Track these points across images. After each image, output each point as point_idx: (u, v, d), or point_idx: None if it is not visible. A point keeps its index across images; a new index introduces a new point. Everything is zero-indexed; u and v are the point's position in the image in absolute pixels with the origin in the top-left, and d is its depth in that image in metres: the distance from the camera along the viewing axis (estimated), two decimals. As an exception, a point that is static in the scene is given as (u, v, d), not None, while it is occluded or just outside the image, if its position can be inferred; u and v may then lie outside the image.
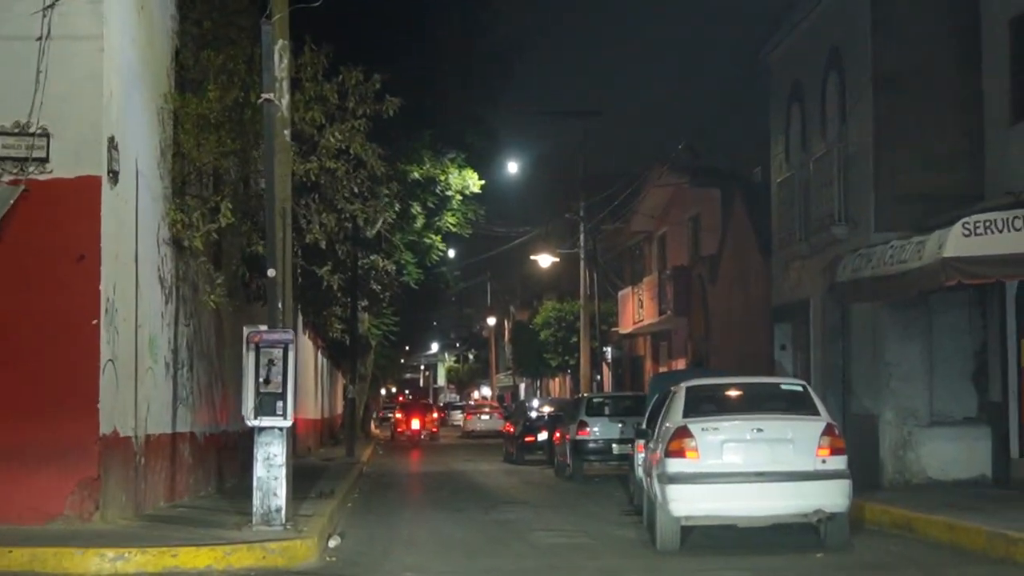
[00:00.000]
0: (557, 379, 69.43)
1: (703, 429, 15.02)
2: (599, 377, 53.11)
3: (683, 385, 16.45)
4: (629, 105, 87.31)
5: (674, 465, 14.93)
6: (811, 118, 25.44)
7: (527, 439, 38.89)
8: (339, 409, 59.57)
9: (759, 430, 14.93)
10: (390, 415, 75.57)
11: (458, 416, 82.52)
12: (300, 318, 38.94)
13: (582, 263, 48.58)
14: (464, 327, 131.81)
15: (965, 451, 20.81)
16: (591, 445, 29.63)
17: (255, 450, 15.25)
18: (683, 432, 15.06)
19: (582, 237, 48.49)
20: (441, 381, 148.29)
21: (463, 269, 70.28)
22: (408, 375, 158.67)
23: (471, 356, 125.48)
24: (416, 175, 45.15)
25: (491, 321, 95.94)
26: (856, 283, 19.90)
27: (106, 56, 14.97)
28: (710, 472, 14.83)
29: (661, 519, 15.24)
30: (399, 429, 62.97)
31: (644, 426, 20.33)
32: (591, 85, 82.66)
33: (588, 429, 29.71)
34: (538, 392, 72.61)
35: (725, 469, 14.83)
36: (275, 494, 15.11)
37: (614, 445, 29.44)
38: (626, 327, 47.11)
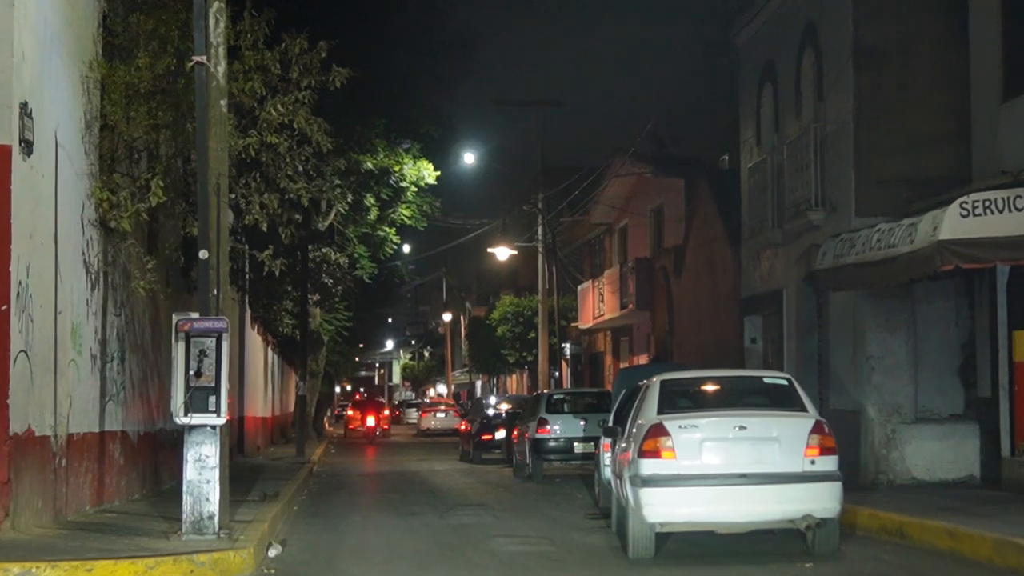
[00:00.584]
0: (514, 376, 68.07)
1: (680, 427, 13.65)
2: (557, 374, 51.80)
3: (657, 379, 15.06)
4: (591, 96, 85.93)
5: (648, 466, 13.56)
6: (785, 99, 24.15)
7: (484, 437, 37.54)
8: (292, 407, 57.99)
9: (742, 428, 13.56)
10: (345, 413, 75.44)
11: (413, 414, 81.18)
12: (248, 312, 37.42)
13: (540, 256, 47.23)
14: (420, 324, 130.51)
15: (952, 450, 19.57)
16: (552, 444, 28.29)
17: (184, 450, 13.78)
18: (658, 430, 13.68)
19: (540, 229, 47.13)
20: (396, 379, 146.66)
21: (418, 264, 68.99)
22: (363, 373, 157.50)
23: (427, 353, 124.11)
24: (369, 165, 43.71)
25: (447, 317, 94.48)
26: (838, 270, 18.59)
27: (17, 12, 13.42)
28: (688, 474, 13.46)
29: (634, 525, 13.86)
30: (351, 426, 64.06)
31: (611, 423, 19.00)
32: (552, 76, 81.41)
33: (548, 427, 28.37)
34: (495, 389, 71.22)
35: (704, 471, 13.47)
36: (207, 499, 13.65)
37: (576, 444, 28.15)
38: (586, 322, 45.77)
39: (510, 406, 39.90)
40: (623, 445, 15.40)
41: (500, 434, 36.47)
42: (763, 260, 25.31)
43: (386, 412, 67.04)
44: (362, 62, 42.06)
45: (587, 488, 24.04)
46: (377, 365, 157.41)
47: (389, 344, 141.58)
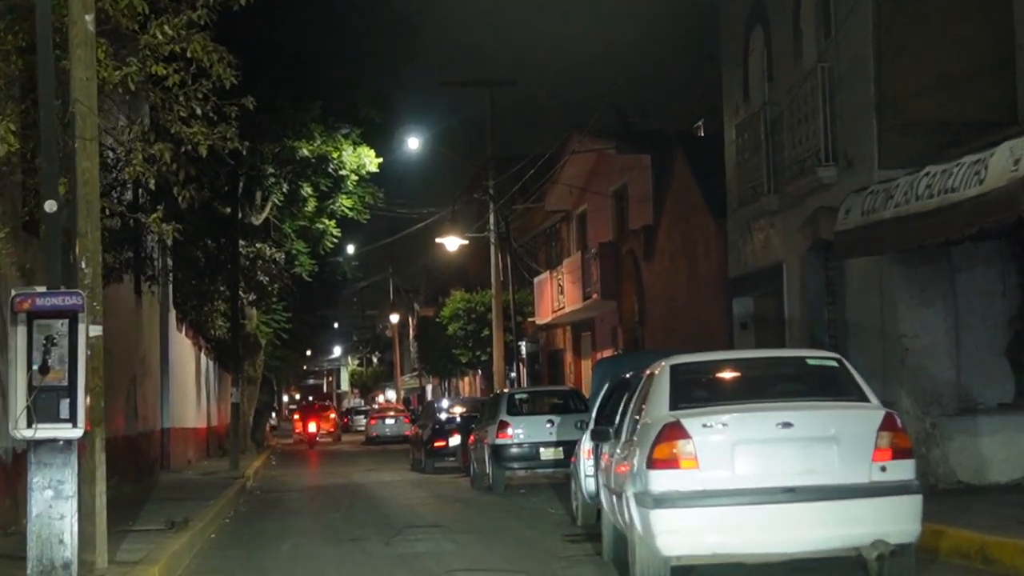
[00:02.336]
0: (467, 378, 64.42)
1: (704, 426, 10.11)
2: (513, 374, 48.28)
3: (665, 363, 11.48)
4: (547, 75, 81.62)
5: (662, 480, 10.04)
6: (779, 40, 20.70)
7: (436, 444, 34.04)
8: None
9: (786, 424, 10.03)
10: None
11: (362, 422, 77.55)
12: (173, 312, 33.68)
13: (492, 247, 43.66)
14: (367, 329, 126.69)
15: (1003, 446, 16.17)
16: (514, 450, 24.83)
17: (29, 475, 10.16)
18: (674, 431, 10.12)
19: (491, 217, 43.56)
20: (345, 386, 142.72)
21: (363, 263, 65.30)
22: (311, 381, 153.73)
23: (375, 359, 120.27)
24: (306, 152, 40.05)
25: (394, 318, 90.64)
26: (870, 229, 15.08)
27: None
28: (716, 489, 9.96)
29: (641, 558, 10.38)
30: (296, 430, 65.15)
31: (594, 424, 15.56)
32: (506, 56, 77.02)
33: (511, 431, 24.89)
34: (447, 393, 67.54)
35: (738, 484, 9.97)
36: (61, 541, 10.09)
37: (542, 449, 24.75)
38: (544, 316, 42.25)
39: (464, 409, 36.39)
40: (619, 452, 11.87)
41: (454, 440, 33.07)
42: (755, 233, 21.91)
43: (332, 416, 68.52)
44: (296, 40, 38.63)
45: (560, 500, 20.59)
46: (325, 372, 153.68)
47: (337, 351, 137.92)
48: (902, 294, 16.42)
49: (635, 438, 10.95)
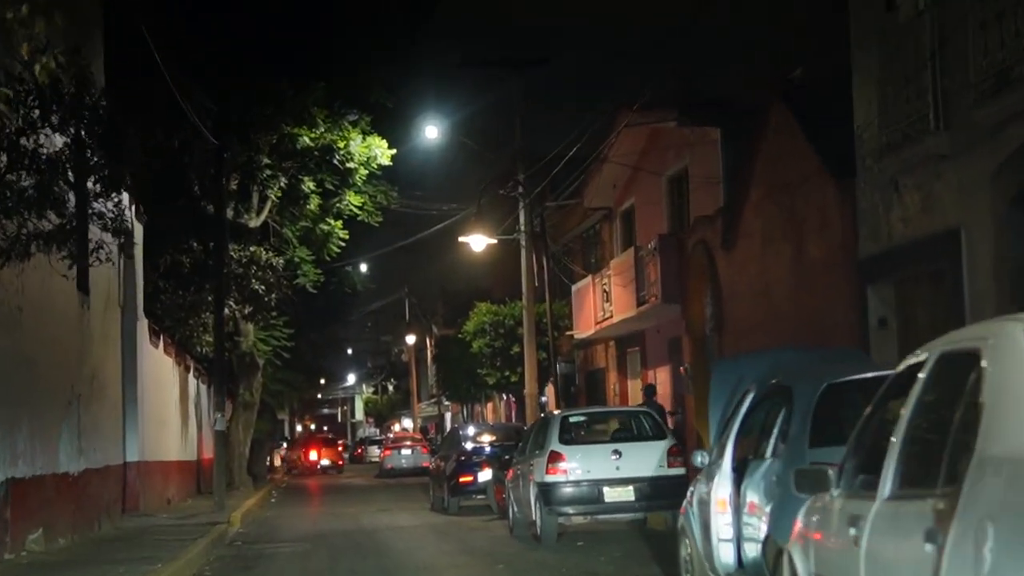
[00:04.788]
0: (492, 403, 58.35)
1: None
2: (544, 398, 42.27)
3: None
4: (585, 53, 74.14)
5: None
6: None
7: (462, 480, 28.31)
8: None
9: None
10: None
11: (376, 452, 71.71)
12: (143, 322, 27.78)
13: (523, 251, 37.69)
14: (382, 355, 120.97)
15: None
16: (569, 490, 19.02)
17: None
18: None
19: (522, 215, 37.62)
20: (360, 415, 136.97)
21: (374, 274, 59.34)
22: (326, 410, 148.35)
23: (391, 387, 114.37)
24: (307, 140, 34.26)
25: (411, 339, 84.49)
26: None
27: None
28: None
29: None
30: (311, 464, 64.22)
31: (731, 450, 9.79)
32: (535, 28, 69.49)
33: (564, 465, 19.07)
34: (468, 420, 61.42)
35: None
36: None
37: (607, 488, 18.98)
38: (585, 329, 36.22)
39: (494, 437, 30.57)
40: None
41: (484, 475, 27.38)
42: (907, 192, 15.96)
43: (339, 448, 69.68)
44: (294, 14, 32.93)
45: (638, 560, 14.75)
46: (340, 401, 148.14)
47: (351, 379, 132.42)
48: None
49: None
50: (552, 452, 19.01)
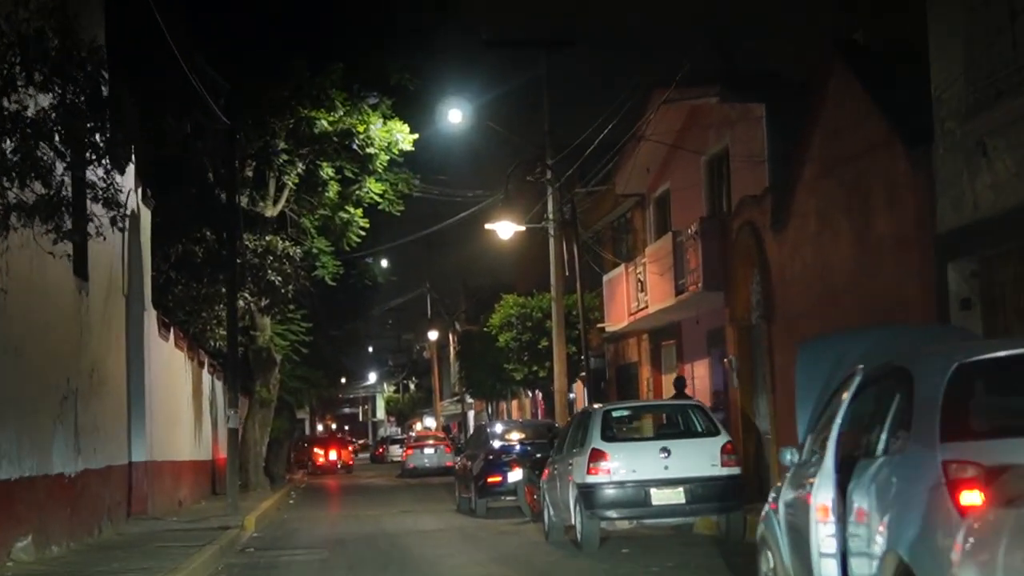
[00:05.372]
0: (517, 401, 56.60)
1: None
2: (572, 395, 40.55)
3: None
4: (616, 31, 71.38)
5: None
6: None
7: (491, 480, 26.64)
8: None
9: None
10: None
11: (398, 451, 70.07)
12: (151, 313, 26.09)
13: (551, 240, 35.97)
14: (403, 353, 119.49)
15: None
16: (613, 491, 17.28)
17: None
18: None
19: (550, 202, 35.88)
20: (381, 414, 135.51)
21: (396, 268, 57.65)
22: (347, 409, 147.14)
23: (412, 385, 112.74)
24: (325, 124, 32.57)
25: (433, 335, 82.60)
26: None
27: None
28: None
29: None
30: (319, 464, 64.02)
31: (834, 444, 8.02)
32: (565, 8, 67.18)
33: (607, 464, 17.30)
34: (492, 418, 59.62)
35: None
36: None
37: (654, 490, 17.19)
38: (617, 321, 34.39)
39: (524, 435, 28.86)
40: None
41: (515, 475, 25.69)
42: (996, 156, 14.15)
43: (349, 449, 70.39)
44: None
45: (691, 570, 13.02)
46: (361, 401, 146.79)
47: (372, 377, 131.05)
48: None
49: None
50: (594, 450, 17.25)
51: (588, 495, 17.10)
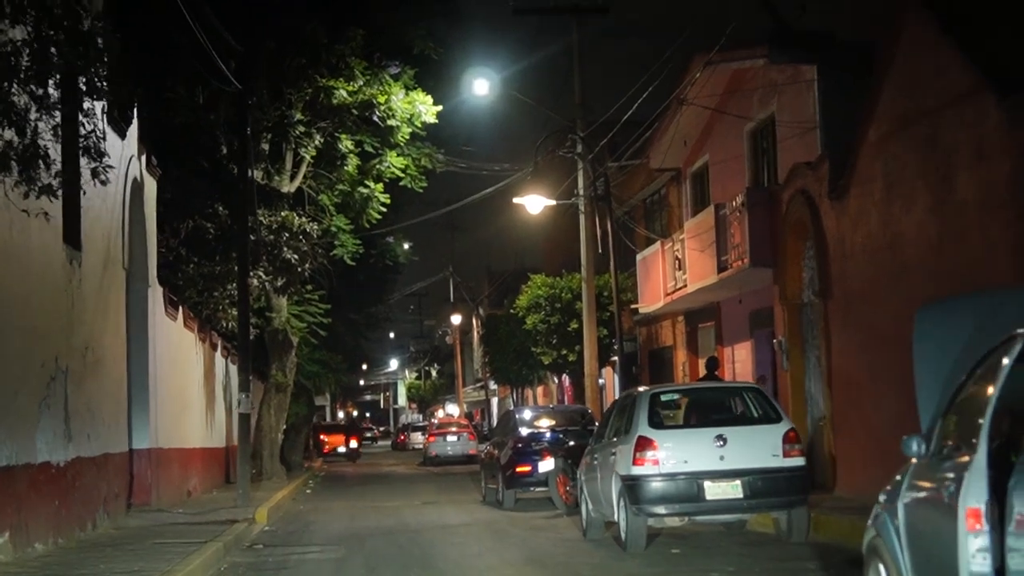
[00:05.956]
0: (543, 387, 54.75)
1: None
2: (602, 380, 38.70)
3: None
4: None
5: None
6: None
7: (519, 470, 24.87)
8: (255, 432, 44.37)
9: None
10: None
11: (420, 439, 68.40)
12: (156, 290, 24.30)
13: (582, 216, 34.13)
14: (425, 339, 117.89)
15: None
16: (661, 484, 15.36)
17: None
18: None
19: (580, 177, 34.03)
20: (402, 401, 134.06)
21: (418, 250, 55.79)
22: (369, 396, 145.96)
23: (434, 372, 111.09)
24: (344, 95, 30.65)
25: (456, 319, 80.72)
26: None
27: None
28: None
29: None
30: (325, 451, 64.09)
31: (981, 436, 6.05)
32: None
33: (654, 454, 15.41)
34: (517, 404, 57.78)
35: None
36: None
37: (708, 484, 15.30)
38: (652, 302, 32.54)
39: (555, 421, 27.01)
40: None
41: (545, 464, 23.91)
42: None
43: (356, 436, 69.69)
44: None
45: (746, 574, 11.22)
46: (382, 387, 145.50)
47: (393, 364, 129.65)
48: None
49: None
50: (640, 438, 15.36)
51: (633, 488, 15.23)
